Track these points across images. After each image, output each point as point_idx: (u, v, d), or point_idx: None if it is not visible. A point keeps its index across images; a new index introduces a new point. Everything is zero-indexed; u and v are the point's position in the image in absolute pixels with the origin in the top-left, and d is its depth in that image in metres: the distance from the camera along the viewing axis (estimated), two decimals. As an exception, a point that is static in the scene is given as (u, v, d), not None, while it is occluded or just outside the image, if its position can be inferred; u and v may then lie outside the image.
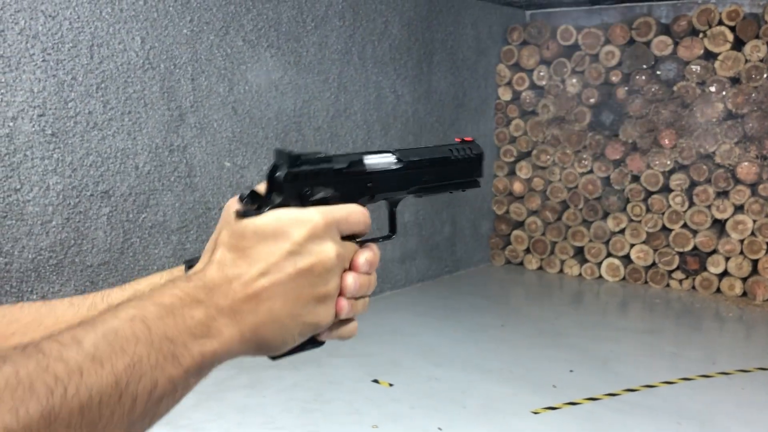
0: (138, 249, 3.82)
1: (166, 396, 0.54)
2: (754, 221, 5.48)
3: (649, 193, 5.91)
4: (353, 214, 0.67)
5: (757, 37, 5.39)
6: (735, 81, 5.52)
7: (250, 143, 4.38)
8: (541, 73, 6.33)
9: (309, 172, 0.67)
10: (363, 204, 0.71)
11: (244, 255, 0.61)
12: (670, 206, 5.80)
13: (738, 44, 5.49)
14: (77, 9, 3.43)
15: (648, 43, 5.81)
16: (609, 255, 6.17)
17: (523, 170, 6.48)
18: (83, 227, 3.56)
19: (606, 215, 6.14)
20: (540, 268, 6.54)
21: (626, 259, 6.11)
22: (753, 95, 5.43)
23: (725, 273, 5.66)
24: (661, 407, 3.48)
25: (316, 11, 4.71)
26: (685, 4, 5.98)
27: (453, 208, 6.19)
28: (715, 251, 5.66)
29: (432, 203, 5.85)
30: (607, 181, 6.13)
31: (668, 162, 5.78)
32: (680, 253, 5.81)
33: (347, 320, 0.68)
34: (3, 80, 3.20)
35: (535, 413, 3.41)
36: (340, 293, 0.66)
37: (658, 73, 5.81)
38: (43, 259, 3.40)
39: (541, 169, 6.41)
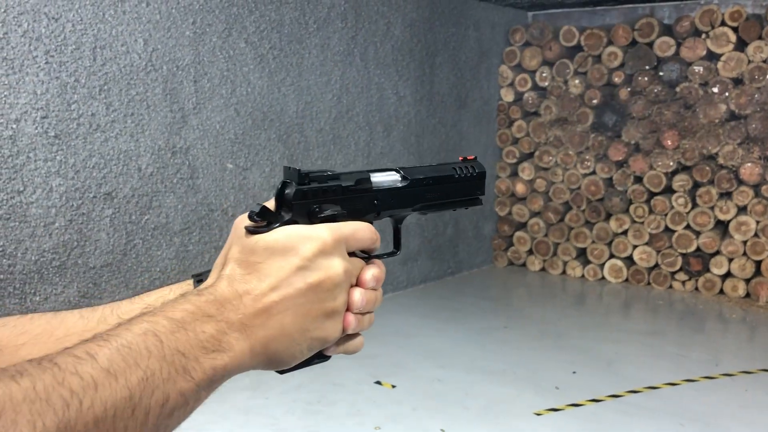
0: (141, 251, 3.82)
1: (178, 409, 0.55)
2: (758, 222, 5.48)
3: (652, 195, 5.91)
4: (360, 230, 0.69)
5: (760, 38, 5.39)
6: (738, 82, 5.52)
7: (252, 145, 4.38)
8: (544, 74, 6.32)
9: (317, 189, 0.69)
10: (369, 221, 0.72)
11: (254, 270, 0.63)
12: (672, 207, 5.79)
13: (741, 45, 5.48)
14: (80, 11, 3.44)
15: (651, 44, 5.81)
16: (612, 256, 6.16)
17: (526, 171, 6.48)
18: (86, 229, 3.56)
19: (609, 216, 6.14)
20: (542, 269, 6.53)
21: (629, 260, 6.10)
22: (756, 96, 5.42)
23: (728, 274, 5.65)
24: (664, 409, 3.48)
25: (319, 13, 4.71)
26: (688, 5, 5.97)
27: (452, 211, 6.18)
28: (718, 252, 5.65)
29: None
30: (609, 182, 6.12)
31: (671, 163, 5.78)
32: (683, 255, 5.80)
33: (354, 335, 0.70)
34: (6, 82, 3.20)
35: (538, 415, 3.40)
36: (348, 308, 0.67)
37: (661, 74, 5.80)
38: (46, 260, 3.41)
39: (543, 170, 6.41)
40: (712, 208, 5.63)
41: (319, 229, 0.65)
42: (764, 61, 5.38)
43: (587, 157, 6.17)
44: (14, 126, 3.25)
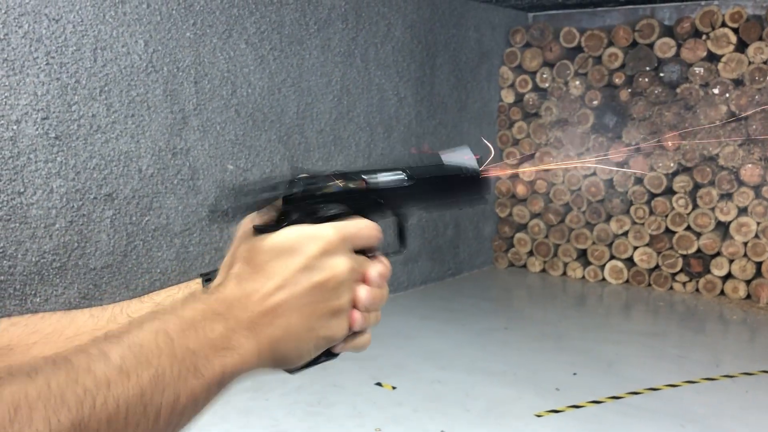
0: (141, 252, 3.82)
1: (188, 408, 0.55)
2: (758, 223, 5.47)
3: (653, 196, 5.91)
4: (365, 229, 0.70)
5: (761, 39, 5.39)
6: (738, 83, 5.52)
7: (252, 146, 4.38)
8: (544, 76, 6.32)
9: (323, 188, 0.70)
10: (374, 220, 0.73)
11: (260, 270, 0.63)
12: (673, 208, 5.79)
13: (741, 46, 5.48)
14: (81, 12, 3.44)
15: (651, 45, 5.81)
16: (612, 257, 6.16)
17: (526, 173, 6.48)
18: (86, 230, 3.56)
19: (609, 218, 6.14)
20: (543, 270, 6.53)
21: (629, 261, 6.10)
22: (756, 97, 5.42)
23: (729, 275, 5.65)
24: (664, 410, 3.48)
25: (319, 14, 4.71)
26: (688, 6, 5.97)
27: (456, 210, 6.18)
28: (718, 254, 5.65)
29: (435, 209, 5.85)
30: (610, 183, 6.12)
31: (671, 164, 5.78)
32: (684, 256, 5.80)
33: (360, 332, 0.71)
34: (7, 83, 3.20)
35: (539, 416, 3.40)
36: (354, 306, 0.68)
37: (662, 75, 5.80)
38: (47, 262, 3.41)
39: (544, 171, 6.40)
40: (712, 209, 5.63)
41: (324, 228, 0.66)
42: (765, 62, 5.38)
43: (588, 158, 6.16)
44: (15, 127, 3.25)
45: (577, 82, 6.15)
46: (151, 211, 3.85)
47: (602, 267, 6.20)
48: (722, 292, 5.69)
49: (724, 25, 5.50)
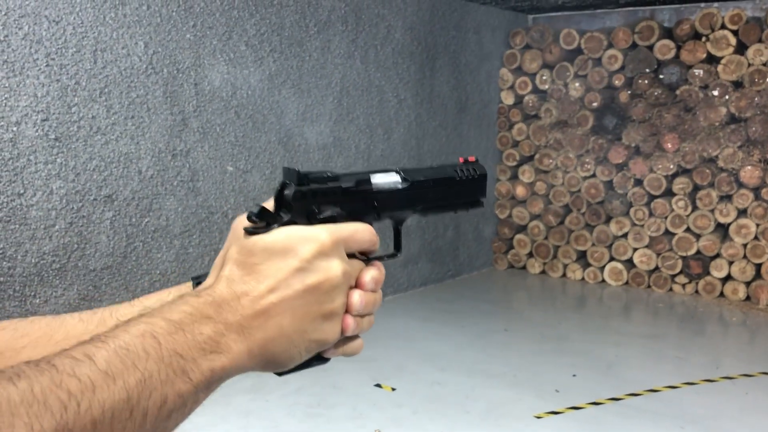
0: (141, 253, 3.82)
1: (176, 411, 0.55)
2: (758, 225, 5.48)
3: (652, 197, 5.91)
4: (359, 232, 0.68)
5: (760, 41, 5.39)
6: (738, 85, 5.52)
7: (252, 147, 4.38)
8: (544, 77, 6.33)
9: (317, 190, 0.69)
10: (369, 222, 0.72)
11: (252, 271, 0.62)
12: (673, 210, 5.79)
13: (741, 48, 5.49)
14: (81, 14, 3.45)
15: (651, 47, 5.81)
16: (612, 259, 6.16)
17: (526, 174, 6.48)
18: (86, 231, 3.56)
19: (609, 219, 6.14)
20: (543, 272, 6.53)
21: (629, 263, 6.10)
22: (756, 99, 5.42)
23: (728, 277, 5.65)
24: (664, 412, 3.47)
25: (319, 16, 4.72)
26: (688, 8, 5.98)
27: (452, 214, 6.18)
28: (718, 255, 5.65)
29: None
30: (609, 185, 6.12)
31: (671, 166, 5.78)
32: (683, 257, 5.80)
33: (353, 337, 0.69)
34: (7, 85, 3.21)
35: (539, 418, 3.40)
36: (346, 310, 0.67)
37: (661, 76, 5.81)
38: (46, 263, 3.41)
39: (543, 173, 6.41)
40: (712, 211, 5.63)
41: (318, 231, 0.65)
42: (764, 64, 5.38)
43: (587, 159, 6.17)
44: (15, 129, 3.25)
45: (577, 84, 6.15)
46: (150, 213, 3.85)
47: (602, 268, 6.20)
48: (722, 294, 5.70)
49: (723, 27, 5.50)
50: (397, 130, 5.50)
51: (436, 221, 5.97)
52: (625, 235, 6.06)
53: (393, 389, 3.72)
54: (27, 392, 0.46)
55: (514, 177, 6.59)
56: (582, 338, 4.69)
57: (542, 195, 6.43)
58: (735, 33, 5.46)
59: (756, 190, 5.50)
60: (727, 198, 5.60)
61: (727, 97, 5.53)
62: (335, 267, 0.64)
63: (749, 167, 5.46)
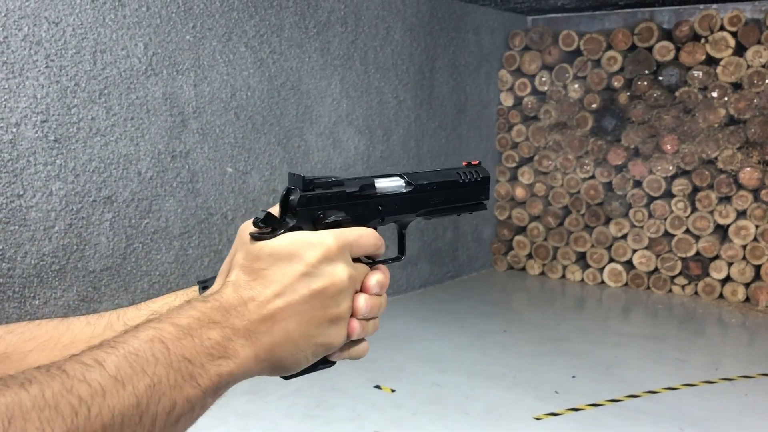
0: (140, 255, 3.82)
1: (184, 415, 0.55)
2: (757, 227, 5.48)
3: (652, 199, 5.91)
4: (364, 236, 0.69)
5: (759, 42, 5.40)
6: (737, 86, 5.53)
7: (252, 149, 4.39)
8: (543, 79, 6.33)
9: (322, 195, 0.69)
10: (374, 226, 0.72)
11: (259, 277, 0.63)
12: (672, 212, 5.80)
13: (740, 50, 5.50)
14: (80, 15, 3.45)
15: (650, 49, 5.82)
16: (611, 260, 6.16)
17: (525, 176, 6.48)
18: (86, 233, 3.56)
19: (608, 221, 6.14)
20: (542, 273, 6.53)
21: (628, 264, 6.10)
22: (755, 101, 5.43)
23: (728, 278, 5.66)
24: (664, 413, 3.48)
25: (319, 17, 4.72)
26: (687, 10, 5.99)
27: (454, 216, 6.18)
28: (717, 257, 5.65)
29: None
30: (609, 186, 6.13)
31: (670, 167, 5.78)
32: (683, 259, 5.80)
33: (358, 340, 0.70)
34: (6, 86, 3.21)
35: (538, 419, 3.40)
36: (352, 314, 0.67)
37: (660, 78, 5.81)
38: (46, 264, 3.41)
39: (543, 174, 6.41)
40: (711, 212, 5.63)
41: (324, 236, 0.65)
42: (763, 66, 5.39)
43: (587, 161, 6.17)
44: (14, 130, 3.25)
45: (576, 86, 6.16)
46: (150, 214, 3.85)
47: (601, 270, 6.21)
48: (721, 295, 5.70)
49: (722, 28, 5.51)
50: (396, 132, 5.50)
51: (435, 223, 5.98)
52: (624, 237, 6.07)
53: (392, 390, 3.72)
54: (38, 397, 0.46)
55: (514, 178, 6.60)
56: (581, 339, 4.69)
57: (541, 196, 6.43)
58: (734, 34, 5.47)
59: (755, 192, 5.50)
60: (726, 199, 5.60)
61: (726, 98, 5.53)
62: (341, 271, 0.65)
63: (748, 169, 5.46)
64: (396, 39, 5.37)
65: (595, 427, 3.33)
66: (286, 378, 0.68)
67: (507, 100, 6.53)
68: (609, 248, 6.16)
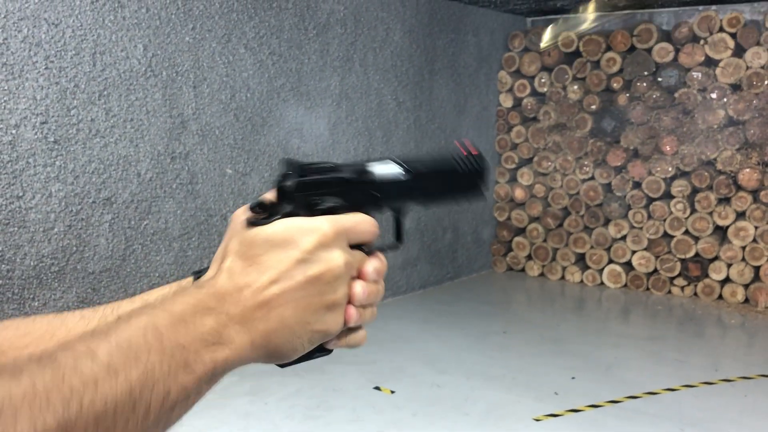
0: (140, 256, 3.82)
1: (179, 403, 0.54)
2: (756, 228, 5.48)
3: (651, 200, 5.91)
4: (361, 223, 0.68)
5: (758, 44, 5.41)
6: (736, 88, 5.53)
7: (251, 150, 4.39)
8: (543, 80, 6.34)
9: (318, 181, 0.68)
10: (370, 213, 0.72)
11: (254, 263, 0.62)
12: (671, 213, 5.80)
13: (739, 51, 5.50)
14: (80, 17, 3.45)
15: (649, 50, 5.82)
16: (610, 262, 6.16)
17: (525, 177, 6.49)
18: (85, 234, 3.56)
19: (607, 222, 6.14)
20: (541, 274, 6.53)
21: (628, 265, 6.11)
22: (754, 102, 5.43)
23: (727, 280, 5.66)
24: (663, 414, 3.48)
25: (318, 19, 4.72)
26: (686, 11, 5.99)
27: (454, 214, 6.19)
28: (716, 258, 5.65)
29: (433, 209, 5.86)
30: (608, 187, 6.13)
31: (670, 168, 5.79)
32: (682, 260, 5.80)
33: (356, 328, 0.69)
34: (6, 88, 3.21)
35: (537, 420, 3.40)
36: (349, 301, 0.67)
37: (660, 79, 5.82)
38: (45, 266, 3.41)
39: (542, 175, 6.41)
40: (710, 213, 5.64)
41: (320, 221, 0.64)
42: (762, 67, 5.40)
43: (586, 162, 6.18)
44: (14, 131, 3.25)
45: (576, 87, 6.16)
46: (149, 215, 3.85)
47: (600, 271, 6.21)
48: (720, 296, 5.70)
49: (721, 30, 5.52)
50: (396, 133, 5.51)
51: (434, 224, 5.98)
52: (623, 238, 6.07)
53: (392, 392, 3.72)
54: (29, 388, 0.46)
55: (513, 180, 6.60)
56: (581, 340, 4.69)
57: (541, 197, 6.43)
58: (733, 36, 5.48)
59: (754, 193, 5.51)
60: (725, 200, 5.61)
61: (725, 99, 5.54)
62: (337, 258, 0.64)
63: (747, 170, 5.47)
64: (395, 40, 5.38)
65: (594, 428, 3.33)
66: (282, 366, 0.67)
67: (506, 102, 6.53)
68: (608, 249, 6.16)
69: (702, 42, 5.59)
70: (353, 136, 5.12)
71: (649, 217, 5.92)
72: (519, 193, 6.52)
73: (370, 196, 0.73)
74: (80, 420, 0.47)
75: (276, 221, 0.64)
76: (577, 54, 6.18)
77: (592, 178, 6.16)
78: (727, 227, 5.60)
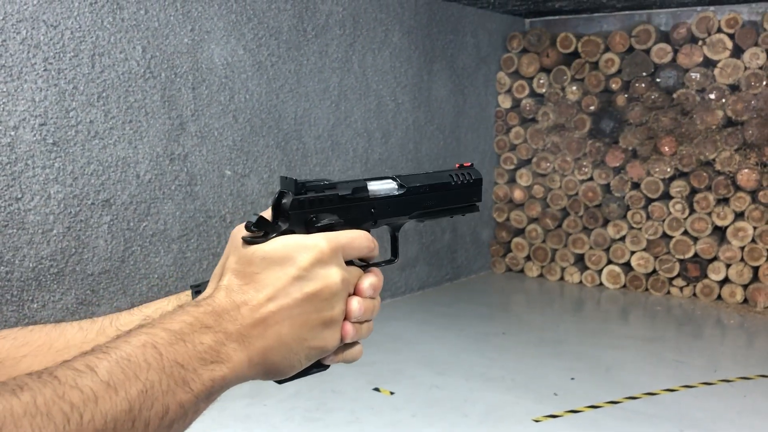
0: (139, 257, 3.82)
1: (177, 421, 0.55)
2: (755, 228, 5.49)
3: (650, 201, 5.92)
4: (357, 239, 0.69)
5: (756, 44, 5.41)
6: (734, 88, 5.54)
7: (250, 152, 4.39)
8: (541, 81, 6.34)
9: (314, 199, 0.69)
10: (367, 229, 0.72)
11: (251, 280, 0.63)
12: (670, 213, 5.81)
13: (737, 52, 5.51)
14: (79, 19, 3.45)
15: (647, 51, 5.83)
16: (609, 262, 6.17)
17: (524, 178, 6.49)
18: (84, 236, 3.56)
19: (606, 222, 6.15)
20: (540, 275, 6.54)
21: (627, 266, 6.11)
22: (752, 102, 5.44)
23: (726, 280, 5.66)
24: (662, 415, 3.48)
25: (317, 20, 4.72)
26: (685, 12, 6.00)
27: (448, 218, 6.18)
28: (715, 258, 5.66)
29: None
30: (607, 188, 6.13)
31: (668, 169, 5.79)
32: (681, 261, 5.81)
33: (352, 343, 0.70)
34: (5, 89, 3.21)
35: (537, 421, 3.40)
36: (345, 317, 0.67)
37: (658, 80, 5.82)
38: (44, 267, 3.40)
39: (541, 176, 6.42)
40: (709, 214, 5.64)
41: (316, 239, 0.65)
42: (760, 68, 5.40)
43: (585, 163, 6.18)
44: (12, 133, 3.25)
45: (574, 88, 6.17)
46: (148, 217, 3.85)
47: (599, 272, 6.21)
48: (719, 297, 5.70)
49: (719, 30, 5.52)
50: (395, 134, 5.51)
51: (433, 225, 5.98)
52: (622, 239, 6.07)
53: (391, 393, 3.72)
54: (30, 404, 0.46)
55: (512, 180, 6.60)
56: (580, 341, 4.69)
57: (540, 198, 6.44)
58: (731, 37, 5.48)
59: (753, 193, 5.51)
60: (724, 201, 5.61)
61: (723, 100, 5.54)
62: (334, 275, 0.65)
63: (746, 170, 5.47)
64: (394, 42, 5.38)
65: (594, 428, 3.33)
66: (280, 382, 0.67)
67: (505, 103, 6.54)
68: (607, 250, 6.17)
69: (700, 43, 5.60)
70: (352, 138, 5.12)
71: (648, 217, 5.92)
72: (518, 194, 6.53)
73: (366, 212, 0.74)
74: None
75: (273, 239, 0.65)
76: (575, 55, 6.18)
77: (591, 178, 6.17)
78: (726, 228, 5.61)
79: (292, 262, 0.63)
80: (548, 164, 6.34)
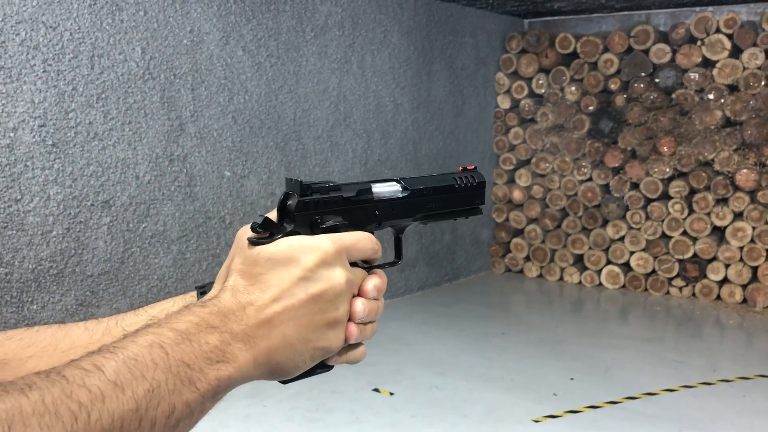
0: (138, 258, 3.82)
1: (183, 420, 0.55)
2: (754, 228, 5.49)
3: (649, 201, 5.92)
4: (361, 241, 0.69)
5: (755, 44, 5.42)
6: (733, 88, 5.54)
7: (250, 152, 4.39)
8: (540, 81, 6.35)
9: (319, 200, 0.70)
10: (371, 231, 0.73)
11: (256, 281, 0.63)
12: (669, 213, 5.81)
13: (736, 52, 5.52)
14: (78, 20, 3.45)
15: (646, 51, 5.84)
16: (609, 262, 6.17)
17: (523, 178, 6.49)
18: (84, 237, 3.56)
19: (605, 223, 6.15)
20: (540, 275, 6.54)
21: (626, 266, 6.11)
22: (751, 102, 5.44)
23: (725, 280, 5.67)
24: (662, 415, 3.48)
25: (316, 21, 4.73)
26: (683, 12, 6.01)
27: (451, 220, 6.19)
28: (714, 258, 5.66)
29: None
30: (606, 188, 6.14)
31: (667, 169, 5.80)
32: (680, 261, 5.81)
33: (356, 344, 0.71)
34: (4, 91, 3.21)
35: (536, 421, 3.40)
36: (350, 318, 0.68)
37: (657, 80, 5.83)
38: (44, 269, 3.40)
39: (540, 176, 6.42)
40: (708, 214, 5.65)
41: (321, 240, 0.66)
42: (759, 68, 5.41)
43: (584, 163, 6.19)
44: (12, 134, 3.25)
45: (573, 88, 6.17)
46: (148, 218, 3.85)
47: (599, 272, 6.22)
48: (718, 297, 5.71)
49: (718, 31, 5.53)
50: (394, 135, 5.51)
51: (433, 226, 5.98)
52: (621, 239, 6.08)
53: (391, 394, 3.72)
54: (38, 403, 0.47)
55: (511, 181, 6.61)
56: (579, 342, 4.69)
57: (539, 199, 6.44)
58: (730, 37, 5.49)
59: (752, 193, 5.52)
60: (723, 201, 5.62)
61: (722, 100, 5.55)
62: (338, 276, 0.65)
63: (745, 170, 5.48)
64: (393, 42, 5.38)
65: (593, 428, 3.34)
66: (284, 382, 0.68)
67: (504, 103, 6.54)
68: (606, 250, 6.17)
69: (699, 43, 5.60)
70: (351, 138, 5.12)
71: (647, 217, 5.93)
72: (517, 195, 6.53)
73: (370, 214, 0.75)
74: None
75: (278, 240, 0.65)
76: (574, 55, 6.19)
77: (590, 179, 6.17)
78: (725, 228, 5.61)
79: (297, 263, 0.63)
80: (547, 164, 6.35)
